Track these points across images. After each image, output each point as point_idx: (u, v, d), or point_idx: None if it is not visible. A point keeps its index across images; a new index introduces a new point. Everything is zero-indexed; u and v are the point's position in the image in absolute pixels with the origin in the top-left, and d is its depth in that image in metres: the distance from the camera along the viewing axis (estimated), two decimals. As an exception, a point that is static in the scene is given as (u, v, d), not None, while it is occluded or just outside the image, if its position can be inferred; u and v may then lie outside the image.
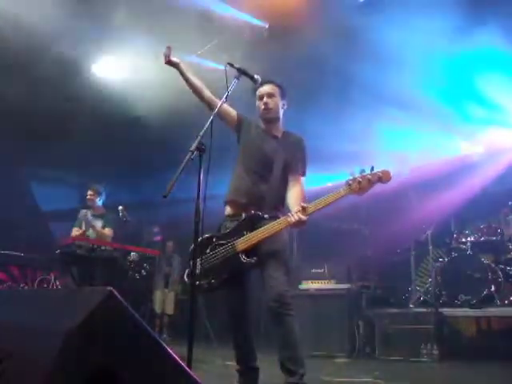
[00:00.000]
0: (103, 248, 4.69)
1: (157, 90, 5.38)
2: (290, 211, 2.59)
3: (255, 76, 2.75)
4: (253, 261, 2.61)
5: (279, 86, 2.94)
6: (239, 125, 2.95)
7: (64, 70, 5.89)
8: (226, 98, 2.63)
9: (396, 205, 6.62)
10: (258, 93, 2.90)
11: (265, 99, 2.86)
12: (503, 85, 5.65)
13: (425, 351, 4.77)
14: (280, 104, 2.92)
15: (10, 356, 1.33)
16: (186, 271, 2.77)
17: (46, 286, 6.75)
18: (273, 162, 2.80)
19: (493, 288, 5.10)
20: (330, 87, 5.63)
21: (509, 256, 5.48)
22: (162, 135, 6.50)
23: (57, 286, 6.75)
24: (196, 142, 2.25)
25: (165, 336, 7.32)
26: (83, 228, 5.15)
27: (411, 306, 5.58)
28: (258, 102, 2.91)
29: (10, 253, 6.42)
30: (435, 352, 4.74)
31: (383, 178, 2.45)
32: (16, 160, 7.51)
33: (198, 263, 2.67)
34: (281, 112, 2.94)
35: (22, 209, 7.88)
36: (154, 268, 5.72)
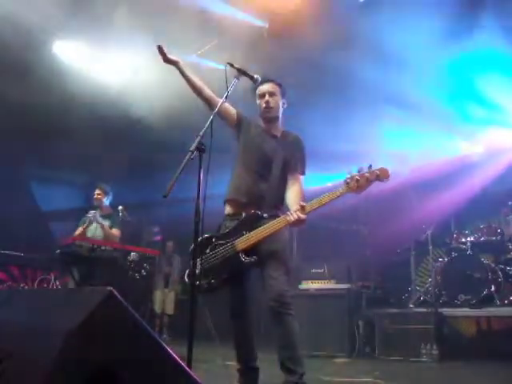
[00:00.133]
0: (103, 248, 4.68)
1: (157, 90, 5.38)
2: (289, 210, 2.60)
3: (255, 76, 2.76)
4: (252, 260, 2.62)
5: (279, 85, 2.95)
6: (239, 124, 2.95)
7: (63, 70, 5.90)
8: (225, 97, 2.63)
9: (396, 205, 6.62)
10: (258, 91, 2.90)
11: (266, 97, 2.86)
12: (503, 85, 5.65)
13: (425, 351, 4.77)
14: (280, 103, 2.93)
15: (10, 356, 1.33)
16: (187, 271, 2.77)
17: (45, 285, 6.75)
18: (272, 161, 2.81)
19: (493, 288, 5.10)
20: (329, 87, 5.63)
21: (509, 256, 5.48)
22: (162, 135, 6.50)
23: (57, 286, 6.75)
24: (196, 141, 2.25)
25: (165, 336, 7.32)
26: (84, 225, 5.12)
27: (411, 306, 5.58)
28: (258, 101, 2.91)
29: (10, 253, 6.42)
30: (435, 352, 4.73)
31: (381, 175, 2.46)
32: (16, 160, 7.50)
33: (198, 263, 2.68)
34: (281, 111, 2.95)
35: (22, 209, 7.88)
36: (153, 268, 5.72)
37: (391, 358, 4.95)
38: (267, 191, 2.76)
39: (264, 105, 2.86)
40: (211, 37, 5.46)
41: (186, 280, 2.73)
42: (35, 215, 8.35)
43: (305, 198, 2.68)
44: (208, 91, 2.87)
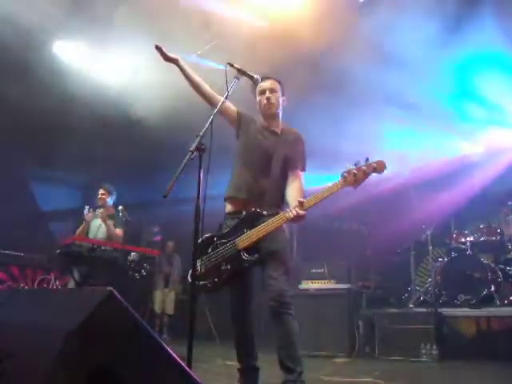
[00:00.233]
0: (103, 248, 4.68)
1: (157, 91, 5.38)
2: (289, 207, 2.60)
3: (255, 76, 2.76)
4: (254, 258, 2.62)
5: (279, 82, 2.96)
6: (239, 121, 2.95)
7: (63, 70, 5.90)
8: (226, 97, 2.63)
9: (396, 205, 6.62)
10: (258, 88, 2.90)
11: (267, 94, 2.87)
12: (503, 85, 5.65)
13: (424, 351, 4.77)
14: (280, 100, 2.93)
15: (10, 356, 1.34)
16: (190, 271, 2.77)
17: (46, 285, 6.75)
18: (272, 158, 2.81)
19: (492, 288, 5.10)
20: (329, 87, 5.63)
21: (508, 256, 5.48)
22: (162, 135, 6.50)
23: (57, 286, 6.75)
24: (196, 142, 2.25)
25: (165, 336, 7.32)
26: (84, 224, 5.13)
27: (411, 305, 5.59)
28: (259, 97, 2.91)
29: (10, 253, 6.42)
30: (435, 352, 4.74)
31: (378, 168, 2.47)
32: (16, 160, 7.50)
33: (200, 263, 2.68)
34: (281, 108, 2.95)
35: (22, 209, 7.88)
36: (153, 268, 5.72)
37: (391, 358, 4.95)
38: (267, 188, 2.76)
39: (265, 101, 2.87)
40: (211, 37, 5.46)
41: (189, 280, 2.74)
42: (35, 215, 8.34)
43: (305, 194, 2.68)
44: (208, 89, 2.88)
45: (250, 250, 2.63)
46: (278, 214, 2.63)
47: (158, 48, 2.79)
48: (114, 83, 5.96)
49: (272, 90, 2.88)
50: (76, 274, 4.82)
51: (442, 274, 5.56)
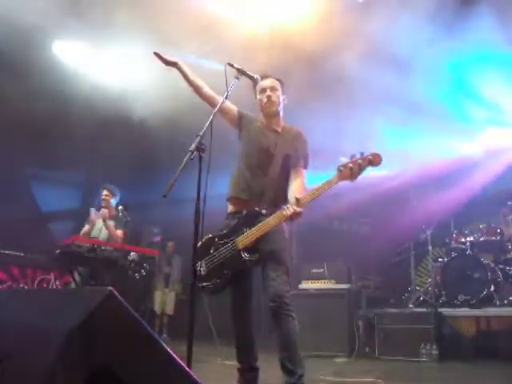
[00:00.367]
0: (103, 248, 4.68)
1: (157, 91, 5.38)
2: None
3: (255, 76, 2.76)
4: (254, 258, 2.61)
5: (280, 81, 2.96)
6: (240, 121, 2.96)
7: (63, 70, 5.90)
8: (225, 97, 2.63)
9: (396, 205, 6.62)
10: (258, 87, 2.90)
11: (268, 92, 2.86)
12: (503, 85, 5.64)
13: (424, 351, 4.77)
14: (281, 98, 2.93)
15: (10, 356, 1.34)
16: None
17: (45, 285, 6.74)
18: (273, 156, 2.80)
19: (492, 288, 5.11)
20: (329, 87, 5.63)
21: (508, 256, 5.48)
22: (162, 135, 6.50)
23: (57, 286, 6.75)
24: (196, 141, 2.26)
25: (165, 336, 7.32)
26: (90, 224, 5.14)
27: (411, 305, 5.59)
28: (259, 96, 2.91)
29: (10, 253, 6.41)
30: (435, 352, 4.74)
31: (373, 161, 2.46)
32: (16, 160, 7.50)
33: (203, 264, 2.69)
34: (282, 106, 2.95)
35: (22, 209, 7.87)
36: (154, 268, 5.72)
37: (391, 358, 4.95)
38: (267, 187, 2.75)
39: (266, 99, 2.86)
40: (211, 37, 5.46)
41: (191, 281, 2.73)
42: (35, 215, 8.34)
43: (306, 191, 2.66)
44: (208, 90, 2.88)
45: (249, 249, 2.62)
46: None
47: (156, 54, 2.80)
48: (114, 83, 5.97)
49: (272, 89, 2.88)
50: (76, 274, 4.82)
51: (441, 274, 5.56)
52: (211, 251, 2.74)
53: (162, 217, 8.32)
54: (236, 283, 2.74)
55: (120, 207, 5.16)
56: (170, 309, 7.59)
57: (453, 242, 5.84)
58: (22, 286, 6.52)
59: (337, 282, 5.66)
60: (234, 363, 2.81)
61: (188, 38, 4.98)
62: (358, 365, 4.83)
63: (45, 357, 1.22)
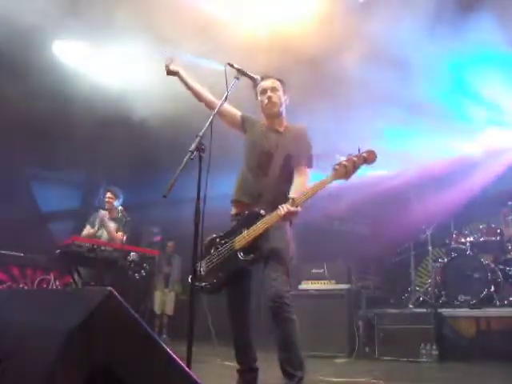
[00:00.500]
0: (103, 248, 4.69)
1: (157, 91, 5.38)
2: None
3: (255, 76, 2.76)
4: (249, 258, 2.60)
5: (281, 81, 2.95)
6: (243, 125, 2.97)
7: (63, 70, 5.90)
8: (225, 98, 2.64)
9: (396, 205, 6.62)
10: (259, 88, 2.90)
11: (269, 93, 2.85)
12: (503, 85, 5.65)
13: (424, 351, 4.77)
14: (283, 99, 2.92)
15: (10, 356, 1.34)
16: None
17: (45, 286, 6.74)
18: (272, 157, 2.79)
19: (492, 288, 5.10)
20: (329, 87, 5.63)
21: (508, 256, 5.48)
22: (162, 135, 6.50)
23: (57, 286, 6.75)
24: (196, 142, 2.26)
25: (164, 336, 7.32)
26: (96, 227, 5.16)
27: (411, 306, 5.59)
28: (260, 97, 2.90)
29: (9, 253, 6.42)
30: (435, 352, 4.74)
31: (368, 158, 2.44)
32: (16, 160, 7.50)
33: (203, 264, 2.69)
34: (284, 106, 2.94)
35: (22, 209, 7.88)
36: (153, 268, 5.72)
37: (391, 358, 4.95)
38: (267, 188, 2.74)
39: (266, 100, 2.86)
40: (211, 37, 5.46)
41: (190, 281, 2.74)
42: (35, 215, 8.34)
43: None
44: (208, 95, 2.91)
45: (246, 249, 2.62)
46: None
47: (167, 60, 2.90)
48: (113, 83, 5.97)
49: (273, 89, 2.87)
50: (76, 275, 4.83)
51: (441, 275, 5.56)
52: (212, 251, 2.74)
53: (161, 217, 8.32)
54: (234, 284, 2.74)
55: (120, 207, 5.17)
56: (169, 309, 7.59)
57: (453, 243, 5.84)
58: (21, 286, 6.53)
59: (337, 283, 5.66)
60: (234, 364, 2.81)
61: (188, 37, 4.98)
62: (358, 365, 4.83)
63: (45, 357, 1.22)
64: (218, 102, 2.79)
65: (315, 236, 6.61)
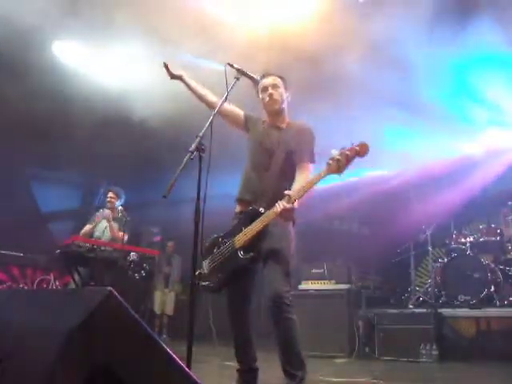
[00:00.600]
0: (103, 248, 4.69)
1: (157, 90, 5.38)
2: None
3: (255, 76, 2.76)
4: (248, 257, 2.60)
5: (282, 78, 2.94)
6: (247, 125, 2.97)
7: (63, 70, 5.90)
8: (225, 98, 2.64)
9: (396, 205, 6.62)
10: (260, 86, 2.89)
11: (270, 90, 2.85)
12: (503, 85, 5.65)
13: (424, 351, 4.77)
14: (284, 95, 2.91)
15: (10, 356, 1.34)
16: (196, 273, 2.77)
17: (45, 286, 6.75)
18: (273, 155, 2.79)
19: (492, 288, 5.11)
20: (329, 87, 5.63)
21: (508, 256, 5.48)
22: (161, 135, 6.51)
23: (57, 286, 6.75)
24: (196, 142, 2.26)
25: (164, 336, 7.32)
26: (93, 224, 5.16)
27: (411, 306, 5.59)
28: (261, 95, 2.90)
29: (9, 253, 6.42)
30: (435, 352, 4.73)
31: (361, 151, 2.40)
32: (16, 160, 7.51)
33: (206, 263, 2.70)
34: (285, 103, 2.93)
35: (22, 209, 7.88)
36: (153, 268, 5.72)
37: (391, 358, 4.95)
38: (268, 186, 2.73)
39: (267, 98, 2.85)
40: (211, 37, 5.46)
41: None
42: (35, 215, 8.34)
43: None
44: (212, 97, 2.91)
45: (246, 248, 2.62)
46: None
47: (165, 66, 2.90)
48: (113, 83, 5.97)
49: (274, 86, 2.86)
50: (76, 274, 4.83)
51: (441, 275, 5.56)
52: (214, 250, 2.75)
53: (161, 217, 8.33)
54: (234, 283, 2.74)
55: (120, 207, 5.18)
56: (169, 309, 7.59)
57: (453, 243, 5.84)
58: (21, 286, 6.53)
59: (337, 283, 5.65)
60: (234, 364, 2.81)
61: (188, 37, 4.98)
62: (357, 365, 4.83)
63: (45, 357, 1.22)
64: (224, 105, 2.81)
65: (315, 236, 6.61)
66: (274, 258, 2.62)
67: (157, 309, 7.55)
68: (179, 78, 2.94)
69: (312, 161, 2.79)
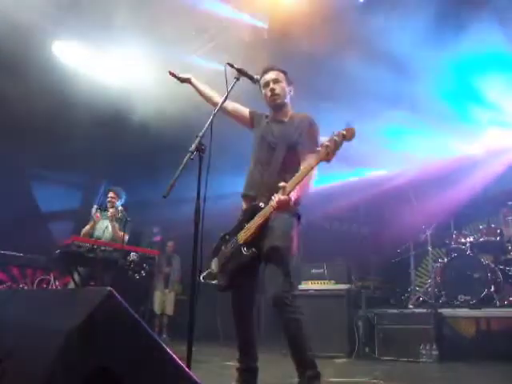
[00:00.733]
0: (103, 248, 4.68)
1: (157, 90, 5.39)
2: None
3: (255, 76, 2.76)
4: (250, 252, 2.59)
5: (284, 72, 2.94)
6: (252, 122, 2.99)
7: (63, 70, 5.90)
8: (225, 98, 2.64)
9: (396, 205, 6.62)
10: (262, 81, 2.89)
11: (271, 85, 2.85)
12: (504, 85, 5.65)
13: (424, 351, 4.77)
14: (287, 89, 2.91)
15: (10, 356, 1.34)
16: (205, 272, 2.77)
17: (45, 286, 6.74)
18: (275, 148, 2.78)
19: (492, 288, 5.10)
20: (329, 87, 5.63)
21: (508, 256, 5.48)
22: (162, 135, 6.51)
23: (57, 286, 6.75)
24: (196, 142, 2.26)
25: (164, 336, 7.32)
26: (91, 223, 5.16)
27: (411, 306, 5.59)
28: (264, 90, 2.90)
29: (9, 253, 6.42)
30: (434, 352, 4.73)
31: (347, 135, 2.39)
32: (16, 160, 7.51)
33: (215, 263, 2.69)
34: (288, 97, 2.92)
35: (22, 209, 7.88)
36: (153, 268, 5.71)
37: (391, 359, 4.95)
38: (269, 179, 2.71)
39: (269, 93, 2.85)
40: (211, 37, 5.46)
41: (202, 280, 2.74)
42: (35, 215, 8.34)
43: (312, 178, 2.60)
44: (219, 99, 2.89)
45: (248, 244, 2.61)
46: None
47: (171, 74, 2.92)
48: (114, 83, 5.97)
49: (276, 81, 2.86)
50: (76, 275, 4.82)
51: (441, 275, 5.56)
52: (222, 248, 2.76)
53: (161, 216, 8.33)
54: (239, 281, 2.73)
55: (120, 207, 5.17)
56: (169, 309, 7.59)
57: (453, 243, 5.83)
58: (21, 286, 6.53)
59: (336, 283, 5.65)
60: (233, 363, 2.81)
61: (188, 37, 4.98)
62: (357, 365, 4.83)
63: (45, 357, 1.22)
64: (229, 104, 2.88)
65: (315, 236, 6.61)
66: (274, 259, 2.61)
67: (157, 309, 7.55)
68: (188, 81, 2.98)
69: (315, 150, 2.76)
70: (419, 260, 6.53)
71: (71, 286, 4.94)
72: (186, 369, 1.42)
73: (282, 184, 2.47)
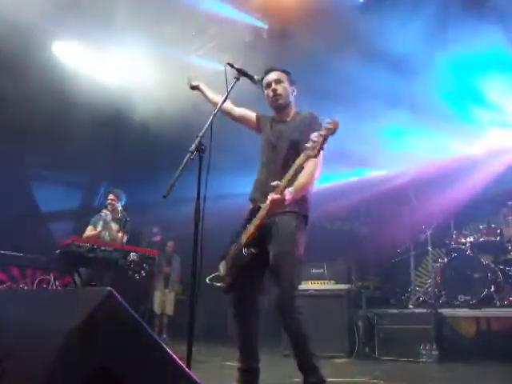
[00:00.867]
0: (103, 248, 4.69)
1: (156, 91, 5.38)
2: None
3: (255, 76, 2.75)
4: (250, 253, 2.59)
5: (286, 72, 2.92)
6: (259, 125, 2.99)
7: (63, 70, 5.90)
8: (225, 99, 2.63)
9: (396, 205, 6.62)
10: (264, 81, 2.88)
11: (273, 86, 2.84)
12: (504, 86, 5.65)
13: (424, 351, 4.77)
14: (289, 90, 2.89)
15: (10, 356, 1.34)
16: (213, 275, 2.78)
17: (45, 286, 6.74)
18: (277, 148, 2.78)
19: (492, 288, 5.10)
20: (329, 87, 5.63)
21: (508, 256, 5.48)
22: (162, 135, 6.51)
23: (57, 286, 6.74)
24: (196, 142, 2.26)
25: (164, 336, 7.32)
26: (99, 228, 5.18)
27: (411, 306, 5.58)
28: (266, 91, 2.89)
29: (9, 253, 6.41)
30: (434, 352, 4.73)
31: (332, 129, 2.37)
32: (16, 160, 7.51)
33: (223, 265, 2.70)
34: (291, 97, 2.91)
35: (22, 209, 7.88)
36: (153, 268, 5.71)
37: (391, 359, 4.95)
38: (271, 180, 2.65)
39: (271, 93, 2.84)
40: (211, 37, 5.46)
41: (208, 282, 2.74)
42: (35, 215, 8.34)
43: (313, 176, 2.61)
44: (227, 104, 2.90)
45: (249, 245, 2.61)
46: None
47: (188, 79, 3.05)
48: (113, 83, 5.97)
49: (277, 81, 2.85)
50: (76, 275, 4.83)
51: (441, 275, 5.56)
52: (231, 249, 2.77)
53: (161, 216, 8.33)
54: (242, 283, 2.72)
55: (120, 208, 5.18)
56: (169, 309, 7.59)
57: (453, 243, 5.83)
58: (21, 286, 6.52)
59: (336, 283, 5.65)
60: (234, 363, 2.80)
61: (187, 37, 4.98)
62: (358, 365, 4.83)
63: (45, 357, 1.22)
64: (236, 109, 2.94)
65: (315, 236, 6.60)
66: (276, 262, 2.61)
67: (157, 309, 7.55)
68: (197, 88, 3.03)
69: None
70: (419, 260, 6.53)
71: (71, 286, 4.95)
72: (186, 369, 1.42)
73: (274, 183, 2.47)
